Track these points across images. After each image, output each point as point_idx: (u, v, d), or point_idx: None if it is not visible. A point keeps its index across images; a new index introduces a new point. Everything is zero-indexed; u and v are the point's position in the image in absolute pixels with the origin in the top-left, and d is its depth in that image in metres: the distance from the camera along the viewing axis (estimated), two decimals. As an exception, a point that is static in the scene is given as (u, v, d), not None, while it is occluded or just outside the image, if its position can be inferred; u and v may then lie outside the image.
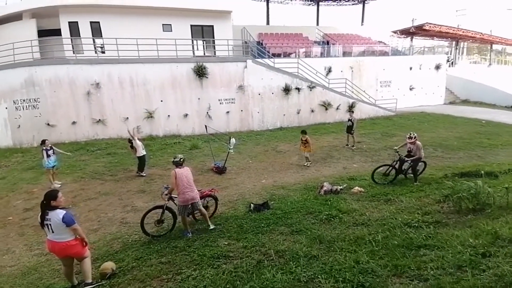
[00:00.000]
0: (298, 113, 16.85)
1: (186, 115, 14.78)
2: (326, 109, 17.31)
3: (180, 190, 4.98)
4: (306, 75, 17.21)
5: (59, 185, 8.39)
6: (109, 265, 3.95)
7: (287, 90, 16.33)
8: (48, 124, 13.02)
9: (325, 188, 6.36)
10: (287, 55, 20.34)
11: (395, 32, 30.15)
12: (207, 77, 14.83)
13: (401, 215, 4.15)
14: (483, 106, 21.79)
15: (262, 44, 21.41)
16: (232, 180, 8.41)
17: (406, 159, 6.79)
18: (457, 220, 3.57)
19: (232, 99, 15.69)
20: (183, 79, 14.50)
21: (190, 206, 5.03)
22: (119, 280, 3.62)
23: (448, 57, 28.23)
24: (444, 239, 3.05)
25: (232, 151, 9.00)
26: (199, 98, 14.96)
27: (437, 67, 24.05)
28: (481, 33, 28.03)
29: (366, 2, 29.71)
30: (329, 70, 19.78)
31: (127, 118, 13.95)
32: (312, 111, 17.14)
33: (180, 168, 5.05)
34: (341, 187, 6.48)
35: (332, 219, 4.49)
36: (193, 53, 15.77)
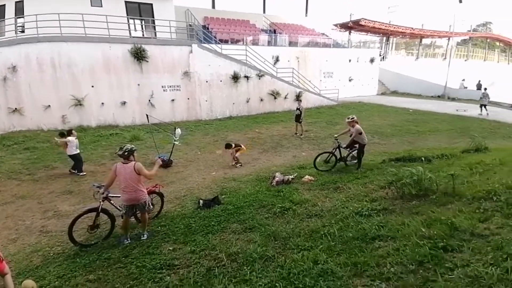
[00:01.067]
0: (248, 101, 16.57)
1: (124, 103, 13.24)
2: (275, 98, 17.38)
3: (119, 188, 4.36)
4: (254, 63, 16.94)
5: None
6: (29, 284, 3.24)
7: (235, 78, 15.85)
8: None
9: (277, 178, 6.22)
10: (234, 41, 19.71)
11: (335, 25, 31.79)
12: (147, 61, 13.44)
13: (351, 203, 4.19)
14: (409, 96, 24.53)
15: (208, 28, 20.35)
16: (179, 173, 7.75)
17: (343, 146, 7.01)
18: (402, 206, 3.71)
19: (177, 86, 14.59)
20: (118, 62, 12.86)
21: (135, 206, 4.41)
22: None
23: (380, 51, 30.95)
24: (395, 228, 3.08)
25: (177, 142, 8.28)
26: (139, 84, 13.52)
27: (371, 60, 26.18)
28: (412, 28, 31.18)
29: (310, -7, 30.34)
30: (277, 59, 19.88)
31: (49, 106, 11.90)
32: (261, 100, 17.03)
33: (125, 163, 4.31)
34: (292, 177, 6.42)
35: (286, 212, 4.33)
36: (130, 33, 14.05)
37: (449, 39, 39.35)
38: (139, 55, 13.10)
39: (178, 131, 8.00)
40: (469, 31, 43.01)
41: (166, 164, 8.11)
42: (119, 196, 4.98)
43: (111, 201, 4.58)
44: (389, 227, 3.12)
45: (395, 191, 4.14)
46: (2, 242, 4.64)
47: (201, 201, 5.38)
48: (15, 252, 4.44)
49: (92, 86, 12.53)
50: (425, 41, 39.94)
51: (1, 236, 4.83)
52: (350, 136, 6.96)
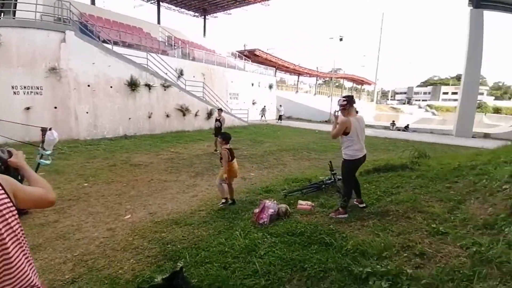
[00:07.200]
0: (150, 117, 12.87)
1: None
2: (184, 114, 14.43)
3: None
4: (158, 71, 13.67)
5: None
6: None
7: (133, 85, 12.08)
8: None
9: (271, 210, 3.59)
10: (127, 46, 15.75)
11: (233, 53, 32.21)
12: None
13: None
14: (303, 121, 26.46)
15: (87, 27, 15.51)
16: (50, 227, 3.77)
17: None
18: None
19: (38, 88, 9.60)
20: None
21: None
22: None
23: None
24: None
25: (47, 161, 4.14)
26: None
27: (270, 86, 27.44)
28: (294, 64, 35.39)
29: (206, 17, 29.67)
30: (181, 73, 17.12)
31: None
32: (168, 116, 13.70)
33: None
34: (286, 206, 3.96)
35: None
36: None
37: (317, 77, 47.88)
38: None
39: (53, 135, 3.99)
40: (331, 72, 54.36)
41: (20, 210, 3.91)
42: None
43: None
44: None
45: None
46: None
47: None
48: None
49: None
50: (291, 81, 47.00)
51: None
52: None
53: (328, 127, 20.66)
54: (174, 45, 20.22)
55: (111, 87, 11.41)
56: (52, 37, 9.79)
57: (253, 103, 24.52)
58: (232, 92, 21.98)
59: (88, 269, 2.80)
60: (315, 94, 44.63)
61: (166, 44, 20.36)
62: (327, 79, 59.23)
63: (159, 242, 3.33)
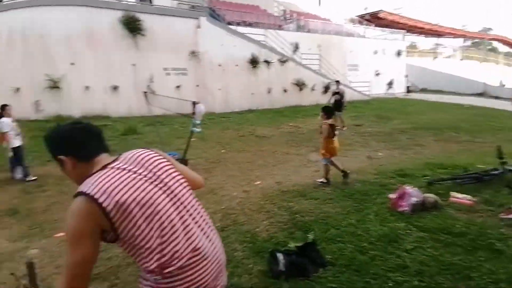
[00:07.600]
0: (269, 92, 13.53)
1: (115, 88, 10.17)
2: (301, 89, 14.39)
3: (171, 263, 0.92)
4: (275, 47, 13.97)
5: None
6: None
7: (254, 62, 12.85)
8: None
9: (414, 199, 3.10)
10: (247, 25, 16.67)
11: (351, 20, 29.00)
12: (143, 35, 10.39)
13: None
14: (445, 94, 21.50)
15: (214, 11, 17.28)
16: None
17: None
18: None
19: (183, 70, 11.56)
20: (106, 33, 9.84)
21: None
22: None
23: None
24: None
25: (198, 129, 5.03)
26: (134, 64, 10.43)
27: (398, 53, 23.31)
28: (431, 23, 28.73)
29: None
30: (296, 47, 16.80)
31: (18, 88, 8.81)
32: (285, 91, 14.02)
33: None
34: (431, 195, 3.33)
35: None
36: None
37: (463, 38, 37.27)
38: (133, 27, 10.04)
39: (201, 108, 4.78)
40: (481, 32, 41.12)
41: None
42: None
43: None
44: None
45: None
46: None
47: (280, 257, 2.23)
48: None
49: (72, 64, 9.41)
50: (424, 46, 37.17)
51: None
52: None
53: (485, 102, 16.01)
54: (289, 19, 19.98)
55: (236, 65, 12.54)
56: (189, 24, 11.41)
57: (376, 74, 21.65)
58: (351, 63, 20.09)
59: (232, 221, 3.26)
60: (461, 59, 35.02)
61: (282, 18, 20.35)
62: (477, 40, 45.08)
63: (287, 211, 3.49)
